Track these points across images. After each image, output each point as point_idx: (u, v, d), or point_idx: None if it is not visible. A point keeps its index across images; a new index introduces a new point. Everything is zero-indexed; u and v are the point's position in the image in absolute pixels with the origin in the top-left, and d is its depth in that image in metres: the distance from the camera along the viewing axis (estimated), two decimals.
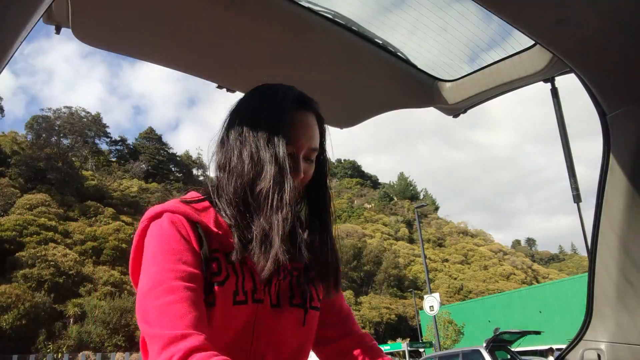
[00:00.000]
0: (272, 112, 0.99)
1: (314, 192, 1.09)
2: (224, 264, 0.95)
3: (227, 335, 0.93)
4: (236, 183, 0.97)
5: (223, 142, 1.03)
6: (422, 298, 28.20)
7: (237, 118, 1.03)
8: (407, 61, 1.65)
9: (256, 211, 0.94)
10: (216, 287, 0.92)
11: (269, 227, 0.92)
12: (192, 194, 1.04)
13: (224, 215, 0.99)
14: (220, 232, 0.96)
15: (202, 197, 1.03)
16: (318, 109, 1.06)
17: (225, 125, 1.05)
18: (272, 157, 0.94)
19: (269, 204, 0.92)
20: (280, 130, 0.96)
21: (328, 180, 1.11)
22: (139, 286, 0.90)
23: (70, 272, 39.61)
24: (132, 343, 34.61)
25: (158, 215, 0.96)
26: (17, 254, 38.07)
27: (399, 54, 1.61)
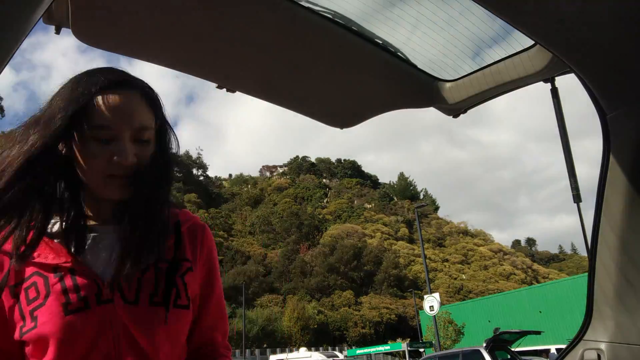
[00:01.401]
0: (69, 99, 0.91)
1: (157, 165, 0.98)
2: (41, 281, 0.89)
3: (79, 347, 0.86)
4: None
5: None
6: (422, 298, 28.20)
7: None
8: (407, 61, 1.65)
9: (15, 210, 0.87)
10: (37, 312, 0.87)
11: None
12: None
13: None
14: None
15: None
16: (139, 85, 0.99)
17: None
18: (19, 152, 0.87)
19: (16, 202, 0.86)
20: (63, 119, 0.89)
21: (171, 154, 1.03)
22: None
23: None
24: None
25: None
26: None
27: (399, 54, 1.61)
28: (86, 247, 0.95)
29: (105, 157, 0.91)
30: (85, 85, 0.93)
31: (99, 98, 0.92)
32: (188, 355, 1.07)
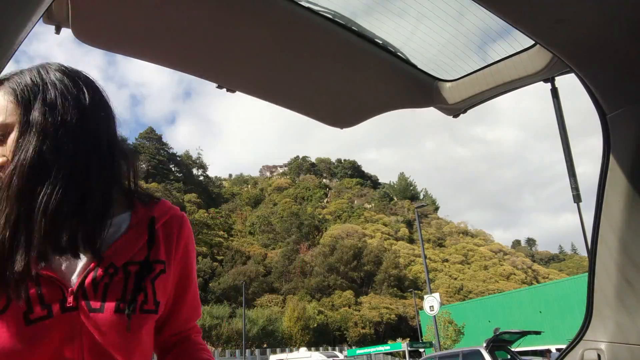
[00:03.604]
0: None
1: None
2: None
3: (42, 358, 0.83)
4: None
5: None
6: (422, 298, 28.19)
7: None
8: (407, 61, 1.65)
9: None
10: None
11: None
12: None
13: None
14: None
15: None
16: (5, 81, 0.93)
17: None
18: None
19: None
20: None
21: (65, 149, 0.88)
22: None
23: None
24: None
25: None
26: None
27: (399, 54, 1.61)
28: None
29: None
30: None
31: None
32: (160, 343, 1.07)
